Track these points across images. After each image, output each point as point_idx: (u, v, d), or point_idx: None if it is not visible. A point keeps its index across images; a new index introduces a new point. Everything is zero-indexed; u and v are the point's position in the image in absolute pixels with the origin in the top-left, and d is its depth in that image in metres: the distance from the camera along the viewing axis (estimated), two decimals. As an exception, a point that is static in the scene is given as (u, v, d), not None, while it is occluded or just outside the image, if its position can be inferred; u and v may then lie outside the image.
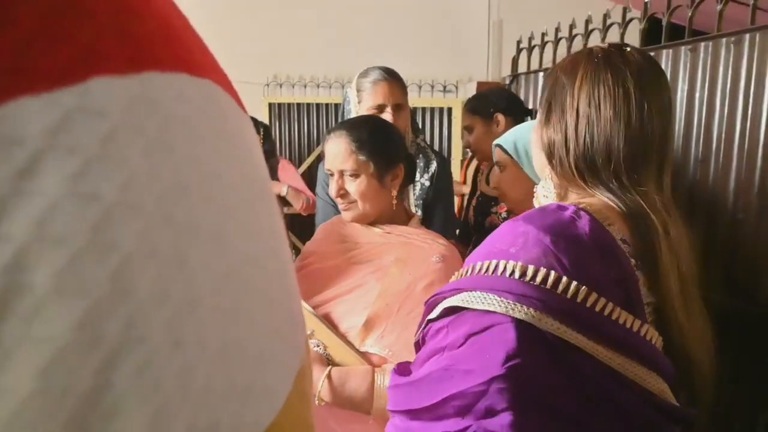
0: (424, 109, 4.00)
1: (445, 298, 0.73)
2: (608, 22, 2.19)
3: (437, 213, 1.84)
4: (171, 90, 0.19)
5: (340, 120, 1.86)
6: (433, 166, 1.83)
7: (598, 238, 0.69)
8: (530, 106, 2.66)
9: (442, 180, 1.86)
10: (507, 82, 2.80)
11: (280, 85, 3.99)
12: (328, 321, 1.20)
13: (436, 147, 4.07)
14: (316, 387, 1.12)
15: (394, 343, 1.14)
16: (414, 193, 1.78)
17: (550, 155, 0.82)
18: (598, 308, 0.64)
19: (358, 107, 1.77)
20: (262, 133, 3.24)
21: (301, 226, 3.85)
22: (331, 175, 1.28)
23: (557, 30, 2.46)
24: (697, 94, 1.81)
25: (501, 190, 1.41)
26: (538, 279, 0.64)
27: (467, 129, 2.13)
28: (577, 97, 0.78)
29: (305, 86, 4.01)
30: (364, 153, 1.23)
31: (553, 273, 0.64)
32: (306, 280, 1.32)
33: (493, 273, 0.67)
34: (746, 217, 1.61)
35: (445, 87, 4.09)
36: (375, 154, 1.24)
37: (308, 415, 0.23)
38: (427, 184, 1.83)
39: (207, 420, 0.17)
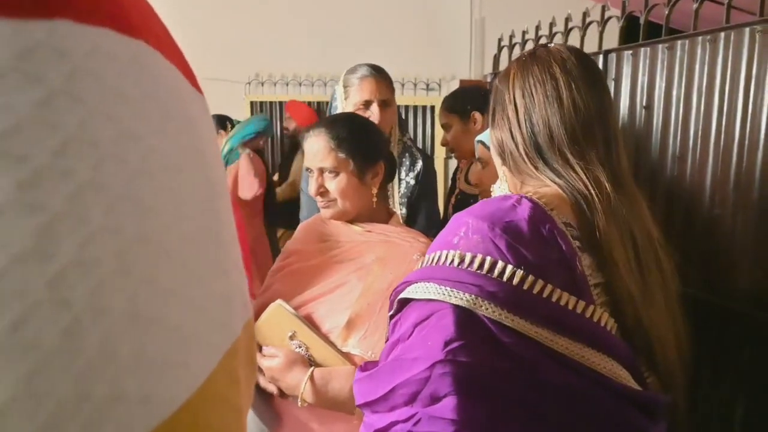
0: (407, 107, 4.00)
1: (399, 292, 0.76)
2: (587, 20, 2.21)
3: (421, 211, 1.85)
4: (85, 42, 0.18)
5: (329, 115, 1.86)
6: (419, 164, 1.84)
7: (537, 222, 0.71)
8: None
9: (427, 178, 1.87)
10: (489, 80, 2.82)
11: (262, 84, 3.97)
12: (310, 321, 1.20)
13: (420, 145, 4.08)
14: (298, 389, 1.11)
15: (377, 344, 1.14)
16: (399, 191, 1.79)
17: (501, 153, 0.87)
18: (536, 291, 0.66)
19: (344, 103, 1.77)
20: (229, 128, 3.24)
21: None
22: (311, 172, 1.28)
23: (537, 28, 2.49)
24: (674, 92, 1.84)
25: (483, 186, 1.44)
26: (475, 265, 0.67)
27: (444, 127, 2.14)
28: (512, 92, 0.85)
29: (287, 84, 3.99)
30: (343, 150, 1.23)
31: (489, 258, 0.67)
32: (287, 280, 1.32)
33: (436, 263, 0.71)
34: (723, 212, 1.65)
35: (428, 85, 4.11)
36: (355, 152, 1.24)
37: (235, 397, 0.23)
38: (413, 182, 1.84)
39: (110, 389, 0.17)
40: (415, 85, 4.07)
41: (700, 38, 1.74)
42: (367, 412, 0.76)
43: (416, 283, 0.71)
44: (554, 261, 0.69)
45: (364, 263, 1.24)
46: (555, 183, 0.79)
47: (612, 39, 2.15)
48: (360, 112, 1.71)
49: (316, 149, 1.25)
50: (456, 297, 0.65)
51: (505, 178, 0.89)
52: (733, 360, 1.55)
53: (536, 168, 0.81)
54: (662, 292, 0.79)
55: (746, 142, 1.60)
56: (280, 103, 3.94)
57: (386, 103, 1.73)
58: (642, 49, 1.96)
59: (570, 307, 0.67)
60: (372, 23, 4.04)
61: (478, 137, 1.44)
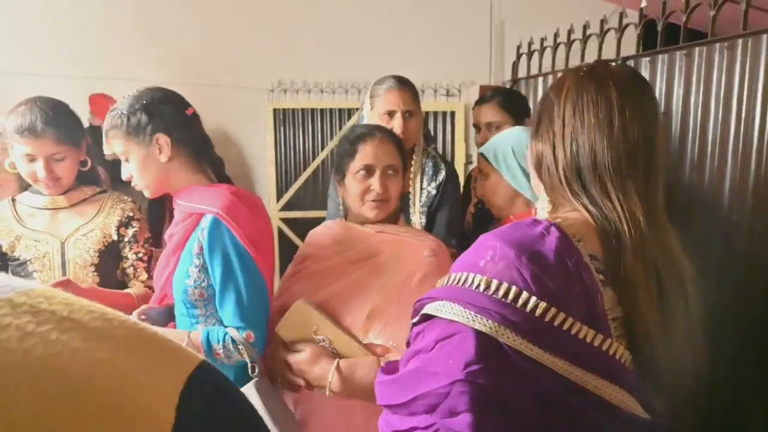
0: (427, 113, 4.02)
1: (424, 304, 0.78)
2: (605, 27, 2.22)
3: (441, 220, 1.86)
4: None
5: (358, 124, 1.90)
6: (442, 174, 1.85)
7: (563, 254, 0.72)
8: (532, 111, 2.69)
9: (449, 188, 1.87)
10: (507, 87, 2.84)
11: (285, 91, 4.04)
12: (331, 317, 1.26)
13: (440, 150, 4.11)
14: (326, 379, 1.17)
15: (396, 333, 1.21)
16: (420, 200, 1.82)
17: (539, 166, 0.85)
18: (557, 323, 0.67)
19: (370, 113, 1.82)
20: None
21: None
22: (370, 173, 1.34)
23: (556, 35, 2.50)
24: (692, 98, 1.84)
25: (485, 197, 1.46)
26: (500, 293, 0.68)
27: (492, 125, 1.98)
28: (563, 107, 0.81)
29: (309, 92, 4.05)
30: (400, 154, 1.38)
31: (514, 288, 0.68)
32: (305, 282, 1.38)
33: (462, 284, 0.72)
34: (741, 218, 1.64)
35: (447, 91, 4.13)
36: (403, 158, 1.39)
37: None
38: (434, 192, 1.85)
39: None
40: (435, 90, 4.09)
41: (717, 45, 1.74)
42: (386, 410, 0.80)
43: (441, 300, 0.73)
44: (576, 294, 0.70)
45: (379, 261, 1.31)
46: (587, 209, 0.78)
47: (630, 46, 2.15)
48: (384, 122, 1.72)
49: (387, 148, 1.35)
50: (479, 323, 0.67)
51: (544, 192, 0.87)
52: (747, 363, 1.55)
53: (571, 191, 0.80)
54: (685, 318, 0.79)
55: (765, 148, 1.59)
56: (303, 110, 4.00)
57: (410, 114, 1.77)
58: (660, 55, 1.96)
59: (588, 340, 0.68)
60: (392, 30, 4.08)
61: (481, 149, 1.46)
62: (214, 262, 1.22)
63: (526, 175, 1.34)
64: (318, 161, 4.03)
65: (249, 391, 1.19)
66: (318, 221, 4.27)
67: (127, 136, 1.23)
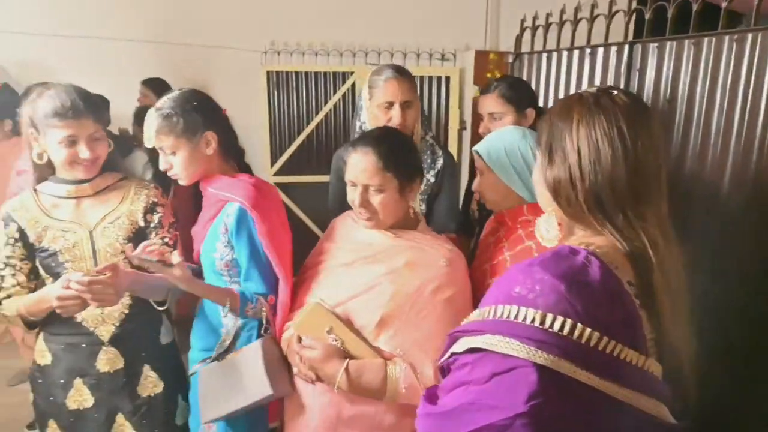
0: (422, 78, 4.01)
1: (469, 334, 0.81)
2: (614, 9, 2.23)
3: (439, 206, 1.91)
4: None
5: (356, 114, 1.91)
6: (440, 162, 1.89)
7: (607, 284, 0.77)
8: (533, 85, 2.72)
9: (447, 175, 1.91)
10: (510, 60, 2.84)
11: (278, 53, 3.96)
12: (344, 318, 1.32)
13: (434, 116, 4.11)
14: (335, 377, 1.25)
15: (405, 342, 1.26)
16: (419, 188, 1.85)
17: (556, 193, 0.88)
18: (608, 350, 0.74)
19: (369, 103, 1.82)
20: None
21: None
22: (354, 186, 1.35)
23: (562, 12, 2.50)
24: (698, 88, 1.89)
25: (480, 192, 1.50)
26: (556, 326, 0.72)
27: (493, 116, 2.02)
28: (576, 138, 0.85)
29: (303, 54, 3.98)
30: (390, 170, 1.31)
31: (569, 321, 0.72)
32: (321, 277, 1.44)
33: (514, 318, 0.75)
34: (741, 209, 1.73)
35: (443, 55, 4.10)
36: (400, 171, 1.33)
37: None
38: (432, 180, 1.89)
39: None
40: (431, 55, 4.05)
41: (726, 37, 1.78)
42: None
43: (494, 335, 0.76)
44: (621, 321, 0.76)
45: (395, 267, 1.33)
46: (613, 236, 0.83)
47: (637, 29, 2.17)
48: (383, 112, 1.77)
49: (364, 167, 1.31)
50: (540, 357, 0.71)
51: (552, 212, 0.91)
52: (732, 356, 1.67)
53: (596, 219, 0.84)
54: (688, 323, 0.86)
55: (767, 142, 1.66)
56: (297, 73, 3.94)
57: (408, 104, 1.78)
58: (668, 42, 1.99)
59: (633, 362, 0.75)
60: (388, -9, 4.00)
61: (474, 147, 1.49)
62: (241, 243, 1.45)
63: (518, 173, 1.40)
64: (312, 125, 4.01)
65: (256, 346, 1.41)
66: (312, 185, 4.30)
67: (180, 135, 1.41)
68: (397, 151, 1.34)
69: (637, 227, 0.82)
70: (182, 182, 1.50)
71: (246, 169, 1.61)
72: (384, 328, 1.28)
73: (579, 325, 0.72)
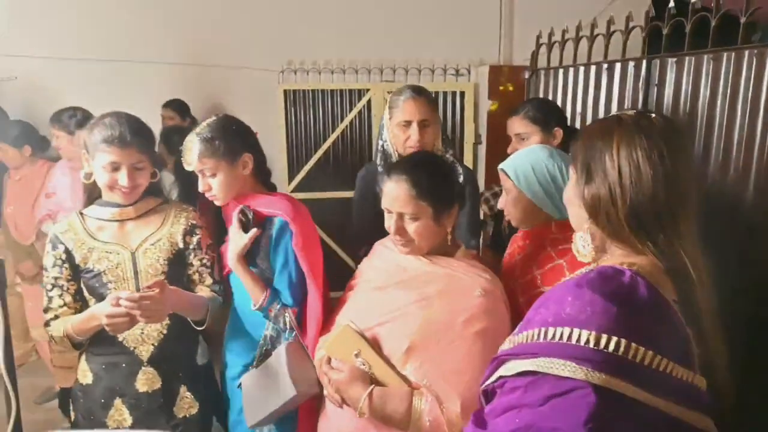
0: (436, 93, 4.05)
1: (518, 357, 0.82)
2: (630, 25, 2.27)
3: (459, 222, 1.94)
4: None
5: (379, 133, 1.95)
6: (460, 179, 1.93)
7: (655, 303, 0.80)
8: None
9: (468, 191, 1.94)
10: (526, 76, 2.88)
11: (295, 72, 4.03)
12: (374, 343, 1.30)
13: (449, 131, 4.15)
14: (358, 402, 1.22)
15: (431, 374, 1.22)
16: None
17: (595, 211, 0.90)
18: (661, 368, 0.76)
19: (389, 122, 1.87)
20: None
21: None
22: (389, 213, 1.34)
23: (578, 29, 2.54)
24: (719, 102, 1.91)
25: (506, 210, 1.51)
26: (611, 347, 0.74)
27: (520, 136, 2.05)
28: (617, 159, 0.87)
29: (319, 72, 4.05)
30: (424, 199, 1.29)
31: (623, 341, 0.74)
32: (355, 300, 1.45)
33: (567, 340, 0.76)
34: (764, 221, 1.74)
35: (457, 71, 4.15)
36: (434, 199, 1.31)
37: None
38: None
39: None
40: (445, 70, 4.11)
41: (746, 51, 1.81)
42: None
43: (548, 357, 0.77)
44: (671, 338, 0.79)
45: (426, 294, 1.30)
46: (654, 255, 0.85)
47: (636, 45, 2.20)
48: (401, 131, 1.84)
49: (397, 195, 1.30)
50: (597, 378, 0.73)
51: (587, 230, 0.93)
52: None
53: (638, 238, 0.85)
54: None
55: (790, 155, 1.68)
56: (313, 91, 4.01)
57: (426, 123, 1.82)
58: (687, 57, 2.02)
59: (684, 378, 0.77)
60: (401, 9, 4.05)
61: (500, 165, 1.48)
62: (276, 255, 1.55)
63: (545, 191, 1.41)
64: (329, 142, 4.07)
65: (281, 349, 1.51)
66: (329, 202, 4.34)
67: (221, 157, 1.51)
68: (432, 178, 1.32)
69: (676, 245, 0.85)
70: (219, 202, 1.57)
71: (272, 188, 1.70)
72: (411, 357, 1.25)
73: (633, 345, 0.74)
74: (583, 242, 0.95)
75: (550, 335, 0.79)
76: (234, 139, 1.53)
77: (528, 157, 1.48)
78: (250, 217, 1.53)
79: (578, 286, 0.81)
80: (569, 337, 0.77)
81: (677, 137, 0.88)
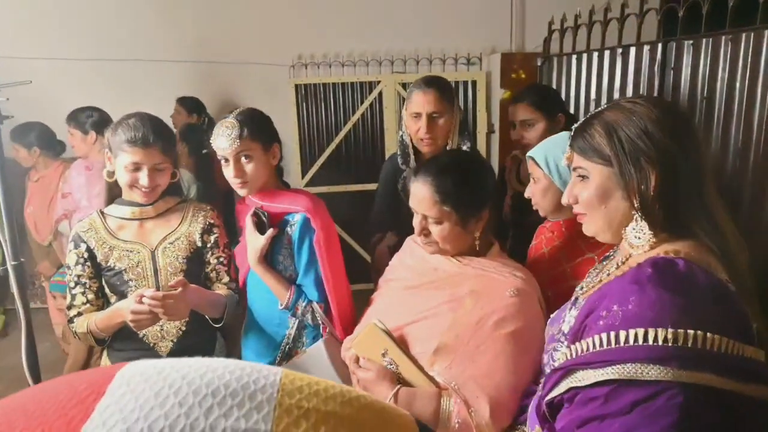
0: (448, 83, 4.03)
1: (589, 366, 0.78)
2: (645, 7, 2.22)
3: None
4: None
5: (399, 125, 1.94)
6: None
7: (714, 287, 0.78)
8: (564, 88, 2.71)
9: None
10: (539, 63, 2.85)
11: (305, 66, 4.02)
12: (402, 342, 1.27)
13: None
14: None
15: (460, 376, 1.18)
16: None
17: (643, 201, 0.86)
18: (736, 352, 0.73)
19: (405, 114, 1.86)
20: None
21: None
22: (415, 213, 1.31)
23: (591, 13, 2.50)
24: (737, 84, 1.87)
25: (534, 199, 1.46)
26: (689, 341, 0.71)
27: (524, 123, 2.05)
28: (663, 145, 0.84)
29: (330, 66, 4.04)
30: (448, 204, 1.25)
31: (699, 333, 0.72)
32: (386, 298, 1.43)
33: (643, 342, 0.73)
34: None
35: (468, 59, 4.11)
36: (459, 205, 1.25)
37: None
38: None
39: None
40: (456, 60, 4.07)
41: (766, 31, 1.77)
42: None
43: (624, 363, 0.73)
44: (736, 319, 0.77)
45: (457, 295, 1.26)
46: (702, 239, 0.83)
47: (651, 29, 2.16)
48: (412, 123, 1.81)
49: (421, 197, 1.27)
50: (683, 375, 0.70)
51: (638, 218, 0.89)
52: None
53: (685, 223, 0.84)
54: None
55: (812, 136, 1.64)
56: (324, 85, 4.00)
57: (435, 116, 1.79)
58: (704, 39, 1.98)
59: (752, 356, 0.75)
60: (412, 0, 4.04)
61: (529, 153, 1.43)
62: (302, 252, 1.55)
63: None
64: (341, 136, 4.06)
65: (319, 345, 1.52)
66: (343, 195, 4.33)
67: (259, 141, 1.51)
68: (458, 184, 1.26)
69: (721, 228, 0.84)
70: (245, 192, 1.55)
71: (285, 185, 1.70)
72: (439, 358, 1.22)
73: (708, 335, 0.72)
74: (636, 233, 0.90)
75: (622, 339, 0.75)
76: (268, 126, 1.57)
77: (559, 146, 1.39)
78: (264, 218, 1.53)
79: (638, 283, 0.79)
80: (645, 338, 0.73)
81: (684, 113, 0.88)
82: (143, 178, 1.45)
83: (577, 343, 0.83)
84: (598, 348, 0.78)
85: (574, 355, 0.82)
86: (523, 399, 1.13)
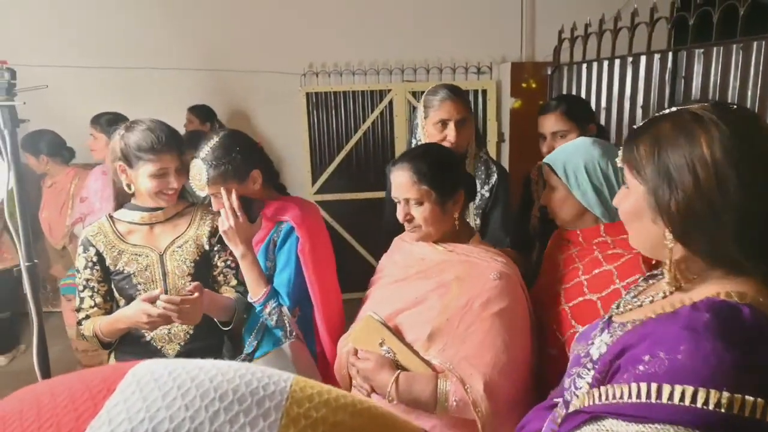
0: (458, 93, 4.04)
1: (619, 417, 0.68)
2: (656, 16, 2.22)
3: (492, 220, 1.94)
4: None
5: (412, 133, 1.96)
6: (494, 178, 1.92)
7: None
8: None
9: (501, 189, 1.94)
10: (549, 72, 2.85)
11: (316, 74, 4.06)
12: (396, 331, 1.35)
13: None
14: (386, 388, 1.27)
15: (454, 357, 1.27)
16: (474, 203, 1.89)
17: (685, 226, 0.73)
18: None
19: (424, 122, 1.88)
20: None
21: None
22: (398, 201, 1.41)
23: (601, 21, 2.50)
24: (749, 92, 1.86)
25: (550, 208, 1.42)
26: (747, 410, 0.61)
27: (557, 134, 1.98)
28: (712, 161, 0.70)
29: (341, 74, 4.07)
30: (425, 183, 1.36)
31: (759, 401, 0.61)
32: (378, 294, 1.49)
33: (691, 402, 0.62)
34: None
35: (479, 69, 4.12)
36: (436, 184, 1.36)
37: None
38: (487, 195, 1.93)
39: None
40: (466, 69, 4.09)
41: (777, 40, 1.76)
42: None
43: (663, 424, 0.64)
44: None
45: (444, 281, 1.35)
46: (755, 276, 0.71)
47: (661, 37, 2.16)
48: (437, 130, 1.85)
49: (401, 182, 1.38)
50: None
51: (669, 237, 0.76)
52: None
53: (748, 259, 0.70)
54: None
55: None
56: (335, 93, 4.03)
57: (462, 122, 1.83)
58: (714, 48, 1.97)
59: None
60: (422, 9, 4.05)
61: (545, 159, 1.39)
62: (279, 256, 1.57)
63: (597, 192, 1.32)
64: (351, 143, 4.08)
65: (285, 347, 1.53)
66: (353, 202, 4.35)
67: (231, 180, 1.47)
68: (433, 165, 1.38)
69: None
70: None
71: (282, 189, 1.71)
72: (433, 343, 1.30)
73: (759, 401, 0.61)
74: (672, 275, 0.78)
75: (665, 394, 0.64)
76: (240, 159, 1.48)
77: (579, 153, 1.36)
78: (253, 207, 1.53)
79: (692, 330, 0.67)
80: (693, 398, 0.62)
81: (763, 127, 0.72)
82: (172, 182, 1.47)
83: (609, 386, 0.71)
84: (634, 399, 0.67)
85: (603, 399, 0.71)
86: (527, 407, 1.11)
